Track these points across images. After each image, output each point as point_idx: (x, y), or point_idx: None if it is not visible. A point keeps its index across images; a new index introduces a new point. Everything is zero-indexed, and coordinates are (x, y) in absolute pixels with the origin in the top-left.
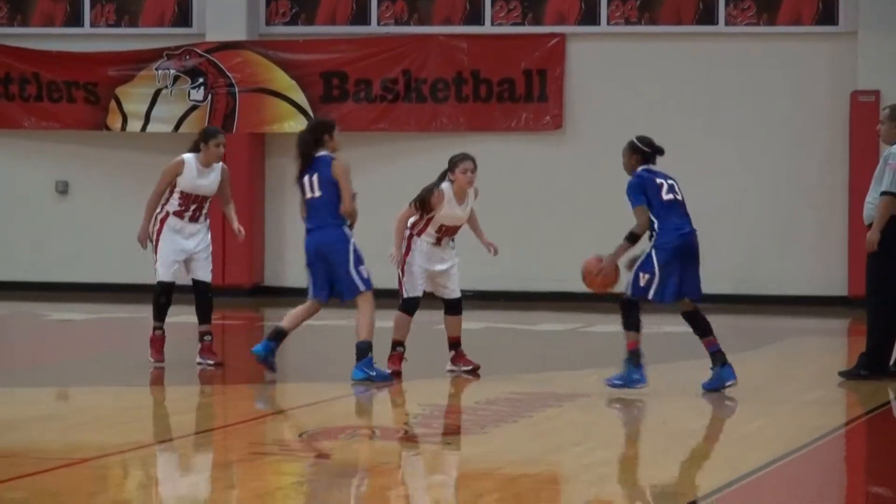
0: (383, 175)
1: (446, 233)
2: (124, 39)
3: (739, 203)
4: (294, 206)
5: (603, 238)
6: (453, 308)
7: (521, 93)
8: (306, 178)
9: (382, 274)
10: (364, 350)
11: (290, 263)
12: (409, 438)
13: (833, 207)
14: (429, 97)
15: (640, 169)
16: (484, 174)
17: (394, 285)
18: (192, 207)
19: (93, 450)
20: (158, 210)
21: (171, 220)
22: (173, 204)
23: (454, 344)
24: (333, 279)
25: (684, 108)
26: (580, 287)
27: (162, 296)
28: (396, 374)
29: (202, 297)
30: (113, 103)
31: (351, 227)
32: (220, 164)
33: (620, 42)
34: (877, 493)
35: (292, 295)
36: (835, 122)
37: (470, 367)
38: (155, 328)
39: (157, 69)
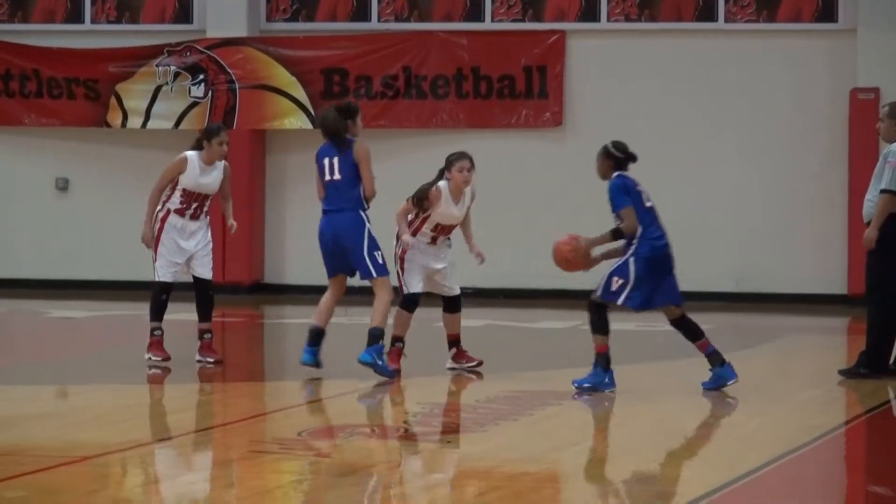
0: (383, 171)
1: (441, 231)
2: (125, 36)
3: (739, 200)
4: (294, 203)
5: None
6: (452, 305)
7: (522, 89)
8: (326, 161)
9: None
10: (376, 336)
11: (290, 261)
12: (408, 437)
13: (832, 205)
14: (429, 94)
15: (615, 174)
16: (484, 171)
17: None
18: (194, 206)
19: (93, 448)
20: (159, 207)
21: (172, 218)
22: (175, 202)
23: (454, 342)
24: (347, 261)
25: (684, 105)
26: (580, 285)
27: (162, 295)
28: (395, 371)
29: (203, 294)
30: (113, 100)
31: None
32: (223, 161)
33: (620, 39)
34: (877, 493)
35: (292, 292)
36: (834, 120)
37: (474, 363)
38: (153, 329)
39: (157, 66)
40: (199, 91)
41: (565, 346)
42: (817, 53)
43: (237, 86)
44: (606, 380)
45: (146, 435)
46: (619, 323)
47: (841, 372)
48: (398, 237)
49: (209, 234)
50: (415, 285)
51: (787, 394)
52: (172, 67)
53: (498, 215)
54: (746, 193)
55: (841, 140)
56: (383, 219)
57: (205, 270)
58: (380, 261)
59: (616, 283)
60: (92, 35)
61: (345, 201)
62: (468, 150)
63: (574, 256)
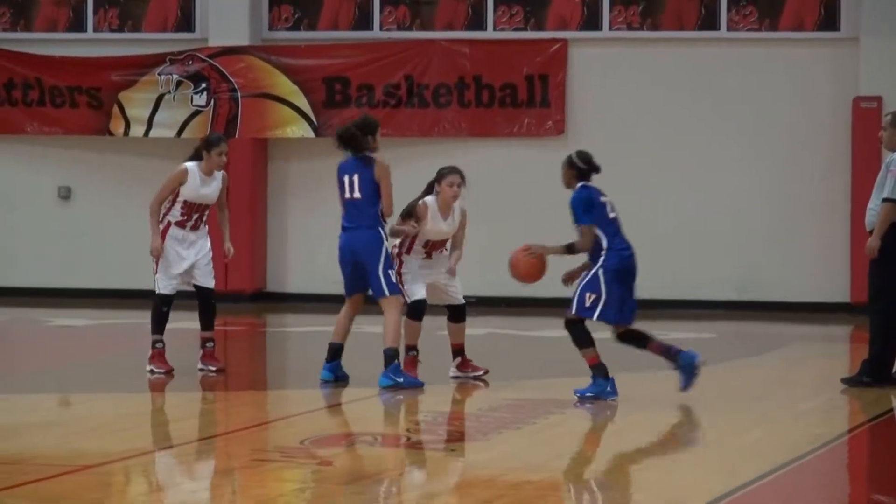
0: None
1: (433, 247)
2: (127, 44)
3: (741, 209)
4: (296, 211)
5: None
6: (457, 315)
7: (524, 98)
8: (346, 178)
9: None
10: (391, 357)
11: (292, 269)
12: (411, 445)
13: (835, 213)
14: (431, 102)
15: (578, 185)
16: (486, 180)
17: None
18: (195, 217)
19: (95, 456)
20: (160, 219)
21: (174, 230)
22: (175, 214)
23: (458, 351)
24: (364, 278)
25: (686, 113)
26: None
27: (162, 307)
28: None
29: (206, 303)
30: (116, 108)
31: (411, 229)
32: (222, 171)
33: (622, 47)
34: (880, 501)
35: (294, 301)
36: (837, 129)
37: (480, 373)
38: (155, 342)
39: (159, 74)
40: (201, 100)
41: (567, 354)
42: (820, 62)
43: (239, 94)
44: (608, 388)
45: (148, 443)
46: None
47: (844, 380)
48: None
49: (209, 242)
50: (417, 292)
51: (789, 402)
52: (175, 76)
53: (500, 224)
54: (749, 201)
55: (843, 149)
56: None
57: (207, 280)
58: (393, 279)
59: (589, 298)
60: (94, 43)
61: (364, 219)
62: (470, 158)
63: (536, 266)
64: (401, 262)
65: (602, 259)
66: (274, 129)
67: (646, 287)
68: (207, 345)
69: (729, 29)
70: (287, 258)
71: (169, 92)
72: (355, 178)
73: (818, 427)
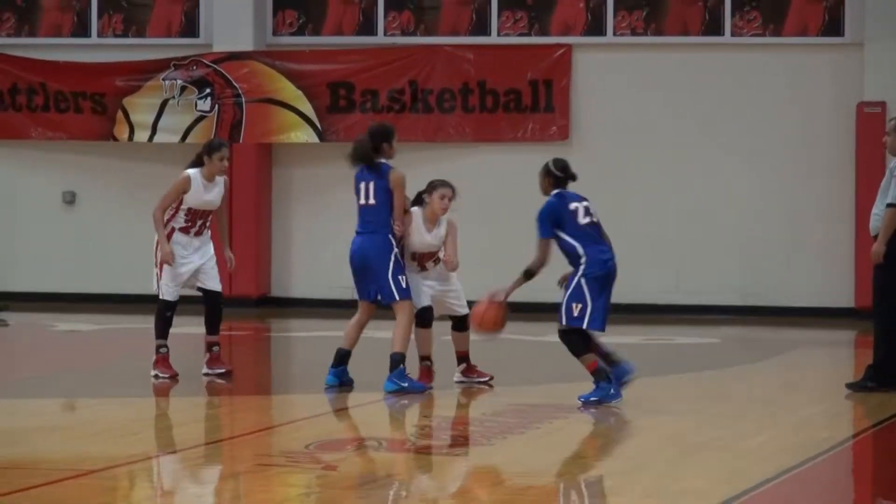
0: None
1: (423, 259)
2: (131, 50)
3: (745, 214)
4: (301, 216)
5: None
6: (461, 324)
7: (528, 103)
8: (362, 185)
9: None
10: (396, 361)
11: (296, 274)
12: (415, 450)
13: (839, 219)
14: (435, 107)
15: (553, 192)
16: (490, 184)
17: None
18: (199, 223)
19: (100, 461)
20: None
21: (178, 237)
22: (179, 221)
23: (462, 357)
24: (374, 283)
25: (690, 118)
26: None
27: (166, 313)
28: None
29: (213, 307)
30: (120, 114)
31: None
32: (223, 176)
33: (627, 53)
34: None
35: (299, 305)
36: (841, 134)
37: (486, 379)
38: (159, 346)
39: (164, 79)
40: (205, 105)
41: (572, 359)
42: (824, 67)
43: (243, 99)
44: (612, 391)
45: (153, 448)
46: (624, 337)
47: (848, 385)
48: None
49: (212, 246)
50: (421, 300)
51: (794, 407)
52: (179, 81)
53: (504, 228)
54: (752, 207)
55: (847, 154)
56: None
57: (214, 283)
58: (403, 285)
59: (576, 308)
60: (99, 49)
61: (375, 224)
62: (474, 163)
63: (501, 318)
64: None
65: (582, 267)
66: (278, 135)
67: (649, 291)
68: (213, 349)
69: (733, 34)
70: (291, 263)
71: (173, 97)
72: (371, 185)
73: (823, 432)
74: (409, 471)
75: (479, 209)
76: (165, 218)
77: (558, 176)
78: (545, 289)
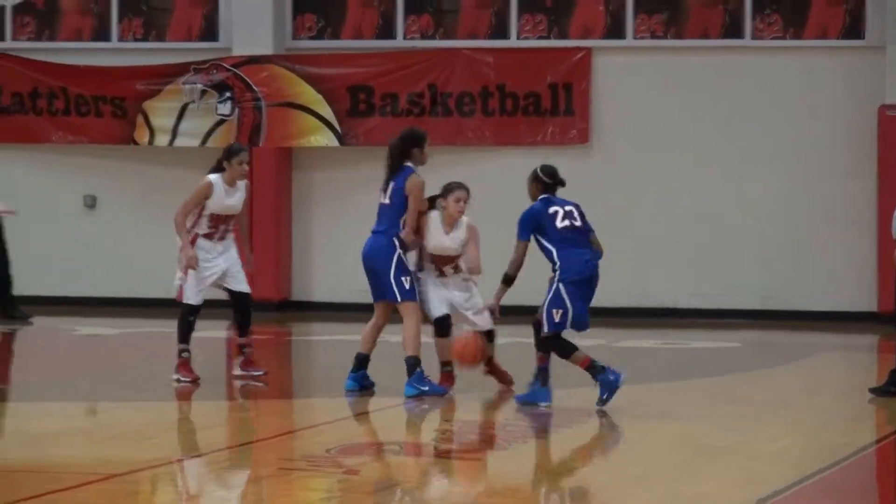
0: None
1: (441, 262)
2: (151, 54)
3: (765, 217)
4: (321, 220)
5: (628, 251)
6: (486, 337)
7: (547, 107)
8: (386, 185)
9: None
10: (412, 365)
11: (317, 278)
12: (436, 454)
13: (861, 222)
14: (455, 111)
15: (539, 198)
16: (510, 188)
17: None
18: (222, 228)
19: (122, 465)
20: (187, 231)
21: (201, 242)
22: (203, 226)
23: (487, 361)
24: (379, 284)
25: (710, 122)
26: (608, 301)
27: (189, 317)
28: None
29: (243, 309)
30: (140, 117)
31: (417, 240)
32: (244, 181)
33: (646, 56)
34: None
35: (320, 309)
36: (862, 137)
37: (505, 382)
38: (181, 350)
39: (184, 83)
40: (225, 109)
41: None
42: (844, 70)
43: (263, 103)
44: (611, 377)
45: (175, 452)
46: (643, 340)
47: (871, 390)
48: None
49: (236, 249)
50: (438, 309)
51: (816, 412)
52: (199, 85)
53: None
54: (772, 210)
55: (869, 157)
56: None
57: (242, 285)
58: (406, 286)
59: (557, 314)
60: (119, 53)
61: (385, 224)
62: (494, 167)
63: (481, 351)
64: (418, 279)
65: (558, 272)
66: (298, 138)
67: (667, 295)
68: (246, 350)
69: (753, 37)
70: (312, 267)
71: (193, 101)
72: (390, 184)
73: (845, 437)
74: (430, 475)
75: (499, 212)
76: (189, 224)
77: (547, 182)
78: None
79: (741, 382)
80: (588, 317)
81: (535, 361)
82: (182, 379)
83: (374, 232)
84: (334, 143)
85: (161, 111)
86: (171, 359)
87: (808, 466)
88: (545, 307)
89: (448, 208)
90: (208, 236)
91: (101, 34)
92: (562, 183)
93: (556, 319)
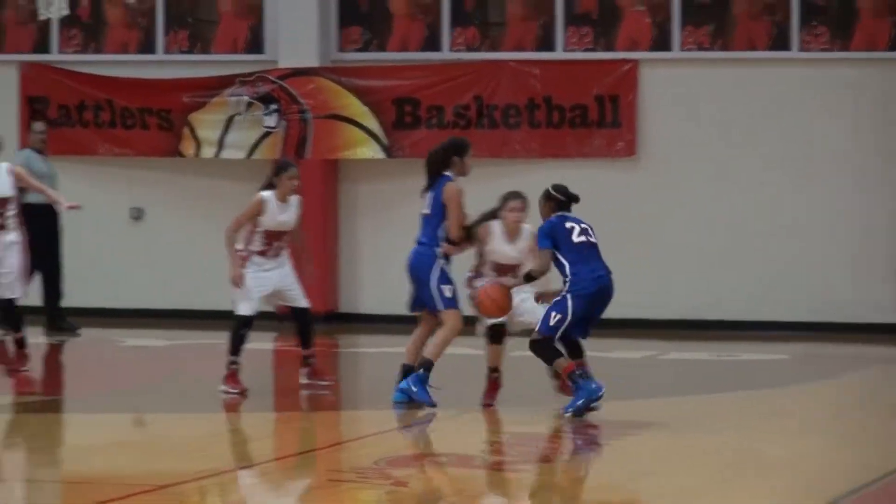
0: None
1: (501, 271)
2: (197, 66)
3: (814, 228)
4: (367, 232)
5: (676, 263)
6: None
7: (594, 119)
8: (425, 195)
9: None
10: (421, 364)
11: (364, 290)
12: (485, 466)
13: None
14: (501, 123)
15: (553, 216)
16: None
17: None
18: (276, 245)
19: (170, 476)
20: (241, 249)
21: (256, 259)
22: (257, 244)
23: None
24: (421, 294)
25: (758, 134)
26: (656, 314)
27: (242, 329)
28: (487, 406)
29: (304, 323)
30: (186, 130)
31: (460, 249)
32: (296, 196)
33: (693, 68)
34: None
35: (367, 321)
36: None
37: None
38: (231, 362)
39: (229, 96)
40: (271, 121)
41: (641, 375)
42: (893, 82)
43: (309, 115)
44: (593, 386)
45: (223, 463)
46: (692, 353)
47: None
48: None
49: (290, 265)
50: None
51: (866, 425)
52: (245, 97)
53: None
54: (821, 220)
55: None
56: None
57: (300, 300)
58: (448, 294)
59: (554, 317)
60: (164, 65)
61: (426, 235)
62: (540, 179)
63: (503, 299)
64: (474, 288)
65: (568, 284)
66: (344, 151)
67: (717, 307)
68: (310, 361)
69: (801, 49)
70: (359, 279)
71: (239, 113)
72: (428, 195)
73: None
74: (479, 487)
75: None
76: (243, 242)
77: (560, 199)
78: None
79: (790, 395)
80: (589, 328)
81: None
82: (229, 390)
83: (417, 242)
84: (380, 155)
85: (207, 123)
86: (219, 370)
87: (860, 479)
88: (547, 309)
89: (505, 219)
90: (262, 253)
91: (147, 47)
92: (575, 199)
93: (551, 323)
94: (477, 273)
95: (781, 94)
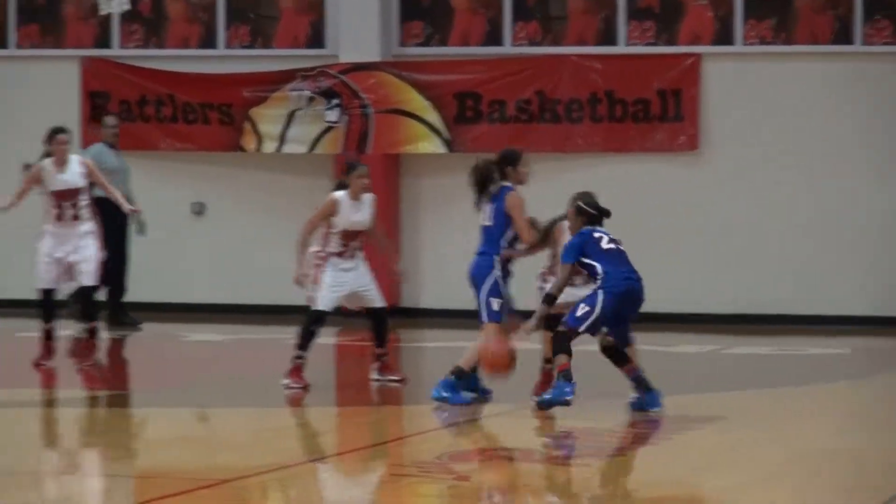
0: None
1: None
2: (258, 61)
3: (877, 221)
4: (429, 227)
5: (737, 257)
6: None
7: (657, 113)
8: (486, 206)
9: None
10: (455, 372)
11: (426, 285)
12: (548, 460)
13: None
14: (563, 118)
15: (584, 229)
16: (619, 195)
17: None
18: (352, 245)
19: (232, 471)
20: (318, 250)
21: (333, 260)
22: (333, 245)
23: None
24: (476, 302)
25: (821, 127)
26: (718, 308)
27: (314, 324)
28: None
29: (379, 323)
30: (247, 124)
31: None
32: (369, 194)
33: (756, 62)
34: None
35: (429, 316)
36: None
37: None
38: (297, 356)
39: (291, 90)
40: (333, 115)
41: (703, 369)
42: None
43: (371, 110)
44: (567, 389)
45: (284, 458)
46: (755, 347)
47: None
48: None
49: (365, 265)
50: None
51: None
52: (306, 92)
53: (633, 239)
54: (884, 215)
55: None
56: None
57: (377, 301)
58: (495, 307)
59: (582, 309)
60: (226, 60)
61: (486, 245)
62: (603, 173)
63: (504, 357)
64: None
65: (601, 281)
66: (406, 145)
67: (780, 301)
68: (383, 358)
69: (863, 43)
70: (420, 274)
71: (301, 108)
72: (488, 206)
73: None
74: (541, 482)
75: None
76: (321, 244)
77: (592, 214)
78: (673, 299)
79: (852, 389)
80: (627, 333)
81: (626, 374)
82: (292, 385)
83: (477, 253)
84: (442, 149)
85: (268, 118)
86: (280, 365)
87: None
88: (578, 302)
89: (570, 221)
90: (339, 254)
91: (208, 42)
92: (607, 214)
93: (578, 314)
94: (550, 272)
95: (844, 88)
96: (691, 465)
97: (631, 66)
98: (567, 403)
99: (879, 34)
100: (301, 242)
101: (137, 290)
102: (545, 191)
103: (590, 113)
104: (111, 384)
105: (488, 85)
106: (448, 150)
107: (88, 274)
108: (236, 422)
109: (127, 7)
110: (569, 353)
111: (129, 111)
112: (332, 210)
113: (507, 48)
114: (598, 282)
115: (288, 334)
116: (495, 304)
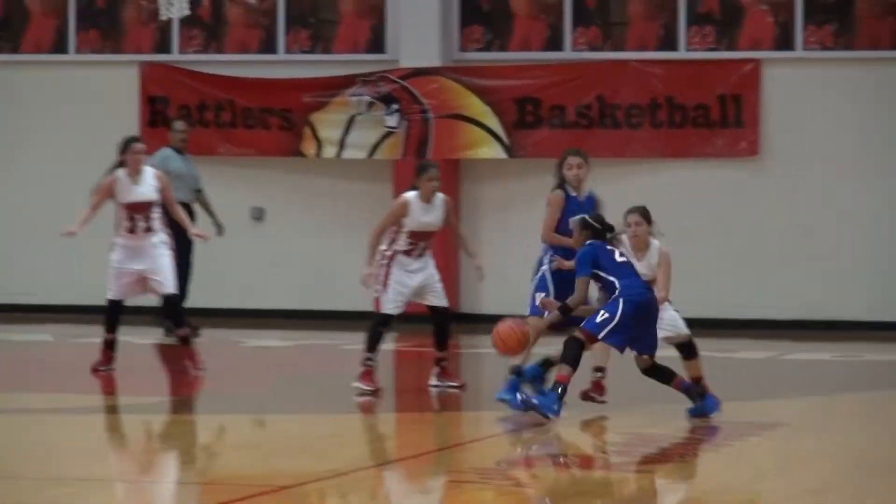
0: None
1: None
2: (318, 66)
3: None
4: (489, 232)
5: (798, 263)
6: (685, 351)
7: (717, 118)
8: None
9: None
10: (512, 370)
11: (486, 290)
12: (608, 467)
13: None
14: (623, 123)
15: (587, 243)
16: (680, 200)
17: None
18: (421, 245)
19: (291, 477)
20: (385, 248)
21: (401, 259)
22: (401, 244)
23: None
24: None
25: (883, 134)
26: (778, 314)
27: (380, 327)
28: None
29: (442, 324)
30: (307, 130)
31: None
32: (442, 196)
33: (817, 67)
34: None
35: (489, 321)
36: None
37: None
38: (366, 359)
39: (351, 95)
40: (392, 121)
41: (764, 375)
42: None
43: (431, 115)
44: (554, 406)
45: (344, 464)
46: (819, 353)
47: None
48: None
49: (433, 265)
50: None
51: None
52: (366, 97)
53: (694, 244)
54: None
55: None
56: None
57: (441, 300)
58: (534, 302)
59: (602, 315)
60: (285, 65)
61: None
62: (663, 179)
63: (513, 337)
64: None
65: (619, 290)
66: (466, 150)
67: (844, 308)
68: (442, 363)
69: None
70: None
71: (360, 113)
72: None
73: None
74: (600, 488)
75: (669, 225)
76: (388, 242)
77: (597, 228)
78: (736, 305)
79: None
80: (624, 339)
81: (675, 388)
82: (363, 388)
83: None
84: (502, 155)
85: (328, 123)
86: (340, 370)
87: None
88: (598, 308)
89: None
90: (407, 253)
91: (268, 46)
92: (610, 229)
93: (598, 320)
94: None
95: None
96: (751, 473)
97: (691, 71)
98: (546, 419)
99: None
100: (371, 244)
101: (196, 296)
102: (605, 196)
103: (650, 118)
104: (171, 390)
105: (548, 90)
106: (508, 156)
107: (168, 284)
108: (295, 427)
109: (187, 12)
110: (575, 365)
111: (188, 116)
112: (402, 212)
113: (568, 53)
114: (618, 292)
115: (345, 340)
116: (536, 298)
